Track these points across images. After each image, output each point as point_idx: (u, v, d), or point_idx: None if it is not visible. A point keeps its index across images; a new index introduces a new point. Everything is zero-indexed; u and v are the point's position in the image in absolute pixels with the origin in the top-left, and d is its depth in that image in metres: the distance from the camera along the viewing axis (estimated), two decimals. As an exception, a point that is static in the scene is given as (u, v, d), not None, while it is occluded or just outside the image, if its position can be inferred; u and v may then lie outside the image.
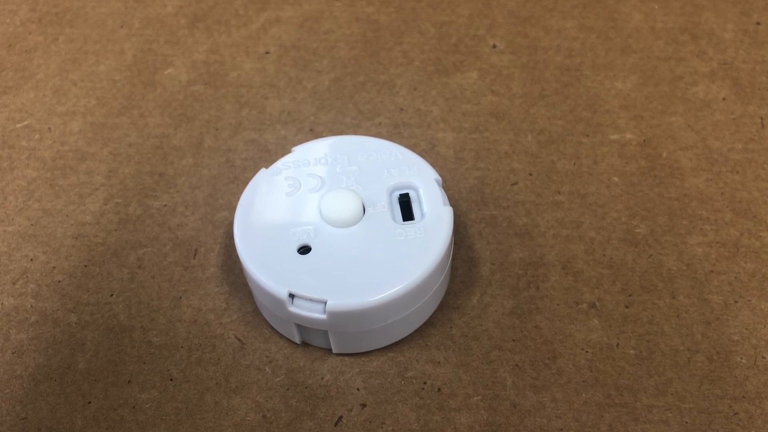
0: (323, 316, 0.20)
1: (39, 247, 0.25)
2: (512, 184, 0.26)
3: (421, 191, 0.23)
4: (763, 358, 0.22)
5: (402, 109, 0.29)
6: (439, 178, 0.23)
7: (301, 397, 0.21)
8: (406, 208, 0.23)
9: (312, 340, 0.22)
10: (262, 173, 0.23)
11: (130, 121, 0.29)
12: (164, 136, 0.28)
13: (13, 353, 0.23)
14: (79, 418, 0.21)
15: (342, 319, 0.20)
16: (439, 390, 0.21)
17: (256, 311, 0.23)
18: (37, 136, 0.28)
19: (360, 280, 0.21)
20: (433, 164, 0.26)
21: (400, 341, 0.22)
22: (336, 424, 0.21)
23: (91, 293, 0.24)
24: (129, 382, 0.22)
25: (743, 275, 0.24)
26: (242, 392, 0.22)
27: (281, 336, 0.23)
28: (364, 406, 0.21)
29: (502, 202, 0.26)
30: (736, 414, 0.21)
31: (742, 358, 0.22)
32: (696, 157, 0.27)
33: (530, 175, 0.26)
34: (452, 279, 0.24)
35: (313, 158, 0.24)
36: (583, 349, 0.22)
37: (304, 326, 0.21)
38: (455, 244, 0.24)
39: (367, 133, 0.28)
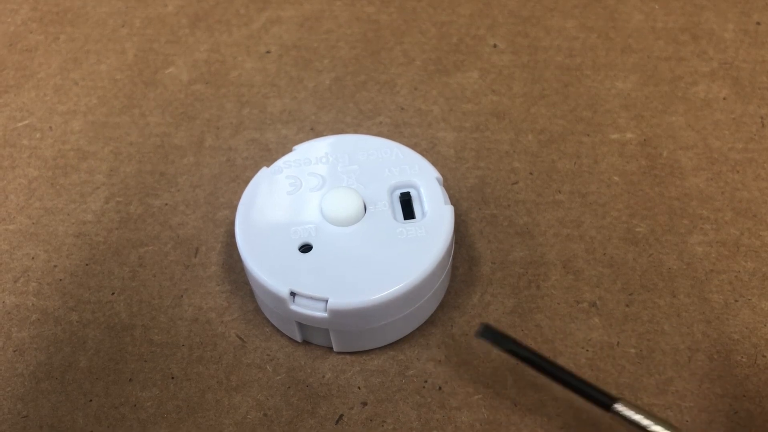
0: (324, 315, 0.20)
1: (40, 246, 0.25)
2: (513, 184, 0.26)
3: (422, 190, 0.23)
4: (764, 357, 0.22)
5: (403, 109, 0.29)
6: (439, 176, 0.23)
7: (302, 395, 0.21)
8: (407, 206, 0.23)
9: (313, 338, 0.22)
10: (263, 172, 0.23)
11: (131, 120, 0.29)
12: (165, 135, 0.28)
13: (14, 351, 0.23)
14: (81, 416, 0.21)
15: (343, 318, 0.20)
16: (439, 388, 0.22)
17: (257, 310, 0.23)
18: (38, 135, 0.28)
19: (361, 279, 0.21)
20: (434, 163, 0.26)
21: (401, 340, 0.22)
22: (337, 422, 0.21)
23: (93, 292, 0.24)
24: (130, 380, 0.22)
25: (743, 274, 0.24)
26: (243, 390, 0.22)
27: (282, 334, 0.23)
28: (365, 404, 0.21)
29: (502, 201, 0.26)
30: (736, 413, 0.21)
31: (742, 357, 0.22)
32: (696, 157, 0.27)
33: (531, 174, 0.26)
34: (453, 278, 0.24)
35: (314, 157, 0.24)
36: (583, 348, 0.22)
37: (305, 324, 0.21)
38: (456, 242, 0.25)
39: (368, 132, 0.28)
